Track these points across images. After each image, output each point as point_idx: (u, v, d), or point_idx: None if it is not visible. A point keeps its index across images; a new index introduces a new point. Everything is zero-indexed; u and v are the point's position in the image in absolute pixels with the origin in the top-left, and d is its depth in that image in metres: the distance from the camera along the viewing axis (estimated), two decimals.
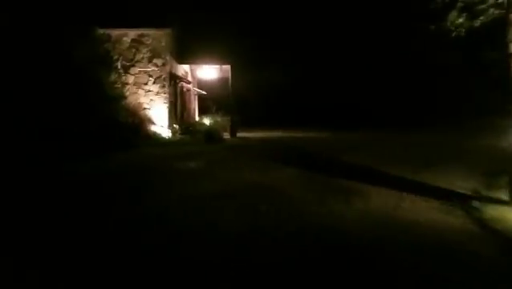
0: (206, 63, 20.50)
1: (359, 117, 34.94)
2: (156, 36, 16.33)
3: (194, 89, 23.85)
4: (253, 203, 5.73)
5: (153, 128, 16.14)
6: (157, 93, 16.36)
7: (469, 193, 6.15)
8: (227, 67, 20.71)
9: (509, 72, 7.21)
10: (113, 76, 15.66)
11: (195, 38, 20.33)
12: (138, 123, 15.72)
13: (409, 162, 9.93)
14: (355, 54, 35.42)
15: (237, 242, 4.19)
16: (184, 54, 19.42)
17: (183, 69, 20.43)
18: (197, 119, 24.80)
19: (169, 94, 16.66)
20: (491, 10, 14.12)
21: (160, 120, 16.30)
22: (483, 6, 14.19)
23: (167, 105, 16.37)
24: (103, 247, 4.06)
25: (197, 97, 25.79)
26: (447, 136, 19.82)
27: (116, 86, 15.72)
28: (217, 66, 21.29)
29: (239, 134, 19.58)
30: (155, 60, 16.36)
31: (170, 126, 16.19)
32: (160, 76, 16.35)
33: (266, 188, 6.84)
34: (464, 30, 14.87)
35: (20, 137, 10.57)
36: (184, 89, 20.49)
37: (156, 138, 15.29)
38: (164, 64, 16.37)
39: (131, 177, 8.19)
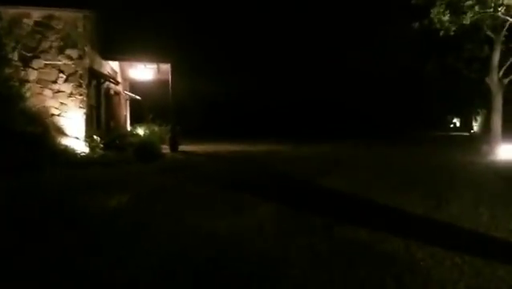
0: (141, 60, 16.62)
1: (311, 128, 32.67)
2: (70, 19, 12.24)
3: (125, 92, 19.73)
4: None
5: (65, 141, 11.99)
6: (71, 94, 12.24)
7: None
8: (166, 68, 17.01)
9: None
10: (6, 70, 11.35)
11: (126, 27, 16.49)
12: (42, 133, 11.50)
13: (408, 188, 7.42)
14: (301, 62, 33.19)
15: None
16: (112, 47, 15.44)
17: (110, 67, 16.38)
18: (129, 129, 20.66)
19: (88, 96, 12.60)
20: (476, 7, 12.24)
21: (74, 131, 12.19)
22: (469, 2, 12.18)
23: (84, 111, 12.29)
24: None
25: (128, 102, 21.62)
26: (415, 150, 17.81)
27: (11, 83, 11.42)
28: (154, 65, 17.50)
29: (181, 147, 15.93)
30: (68, 51, 12.25)
31: (88, 138, 12.13)
32: (76, 72, 12.26)
33: (235, 257, 3.47)
34: (453, 28, 12.87)
35: None
36: (112, 91, 16.42)
37: (67, 155, 11.16)
38: (80, 57, 12.30)
39: None
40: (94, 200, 6.17)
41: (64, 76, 12.22)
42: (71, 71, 12.23)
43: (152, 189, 7.18)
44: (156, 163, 11.45)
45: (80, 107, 12.29)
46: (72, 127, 12.22)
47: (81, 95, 12.29)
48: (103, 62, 15.14)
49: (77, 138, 12.17)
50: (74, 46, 12.26)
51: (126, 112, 21.22)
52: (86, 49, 12.45)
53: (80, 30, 12.28)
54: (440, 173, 9.55)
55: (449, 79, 25.48)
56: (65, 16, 12.15)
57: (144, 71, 18.33)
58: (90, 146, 11.89)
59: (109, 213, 5.38)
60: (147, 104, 20.68)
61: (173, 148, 15.30)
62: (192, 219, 4.96)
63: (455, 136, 34.56)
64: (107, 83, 15.25)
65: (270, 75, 31.81)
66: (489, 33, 13.97)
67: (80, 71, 12.29)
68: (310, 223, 4.83)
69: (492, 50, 14.36)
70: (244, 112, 33.93)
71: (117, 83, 16.93)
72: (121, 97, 19.07)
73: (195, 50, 24.76)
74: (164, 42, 16.37)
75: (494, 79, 14.38)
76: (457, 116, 65.22)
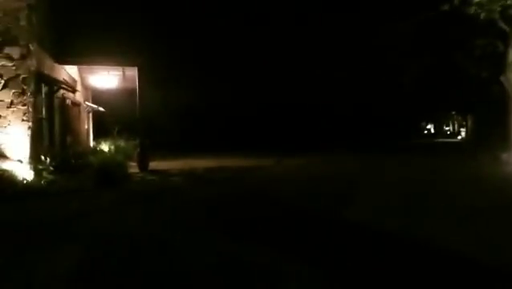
0: (103, 64, 14.15)
1: (285, 139, 30.48)
2: (10, 9, 9.67)
3: (86, 103, 17.12)
4: None
5: (4, 165, 9.35)
6: (11, 104, 9.64)
7: None
8: (133, 74, 14.60)
9: None
10: None
11: (86, 26, 14.04)
12: None
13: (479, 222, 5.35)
14: (278, 70, 31.12)
15: None
16: (68, 48, 12.97)
17: (67, 73, 13.83)
18: (91, 145, 18.01)
19: (35, 106, 10.05)
20: None
21: (16, 151, 9.57)
22: None
23: (29, 125, 9.72)
24: None
25: (91, 115, 18.98)
26: (422, 161, 15.70)
27: None
28: (119, 71, 15.08)
29: (152, 165, 13.46)
30: (8, 50, 9.66)
31: (34, 160, 9.55)
32: (17, 76, 9.68)
33: None
34: (498, 9, 10.96)
35: None
36: (69, 102, 13.83)
37: (2, 184, 8.53)
38: (24, 57, 9.75)
39: None
40: (12, 270, 3.78)
41: (2, 81, 9.61)
42: (12, 74, 9.64)
43: (107, 244, 4.79)
44: (121, 189, 9.01)
45: (24, 121, 9.70)
46: (13, 146, 9.61)
47: (25, 105, 9.71)
48: (58, 66, 12.62)
49: (20, 161, 9.55)
50: (15, 43, 9.70)
51: (88, 126, 18.58)
52: (31, 47, 9.93)
53: (23, 23, 9.75)
54: (487, 192, 7.69)
55: (430, 82, 24.37)
56: (3, 4, 9.60)
57: (107, 78, 15.88)
58: (35, 170, 9.31)
59: None
60: (112, 116, 18.12)
61: (143, 166, 12.84)
62: None
63: (444, 142, 33.44)
64: (62, 91, 12.69)
65: (249, 84, 29.57)
66: (502, 25, 12.32)
67: (23, 75, 9.72)
68: None
69: (506, 45, 12.75)
70: (219, 124, 31.52)
71: (75, 92, 14.36)
72: (81, 109, 16.46)
73: (166, 55, 22.35)
74: (131, 44, 13.99)
75: (511, 78, 12.71)
76: (430, 122, 64.91)
